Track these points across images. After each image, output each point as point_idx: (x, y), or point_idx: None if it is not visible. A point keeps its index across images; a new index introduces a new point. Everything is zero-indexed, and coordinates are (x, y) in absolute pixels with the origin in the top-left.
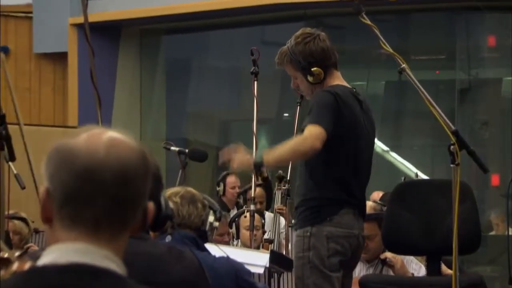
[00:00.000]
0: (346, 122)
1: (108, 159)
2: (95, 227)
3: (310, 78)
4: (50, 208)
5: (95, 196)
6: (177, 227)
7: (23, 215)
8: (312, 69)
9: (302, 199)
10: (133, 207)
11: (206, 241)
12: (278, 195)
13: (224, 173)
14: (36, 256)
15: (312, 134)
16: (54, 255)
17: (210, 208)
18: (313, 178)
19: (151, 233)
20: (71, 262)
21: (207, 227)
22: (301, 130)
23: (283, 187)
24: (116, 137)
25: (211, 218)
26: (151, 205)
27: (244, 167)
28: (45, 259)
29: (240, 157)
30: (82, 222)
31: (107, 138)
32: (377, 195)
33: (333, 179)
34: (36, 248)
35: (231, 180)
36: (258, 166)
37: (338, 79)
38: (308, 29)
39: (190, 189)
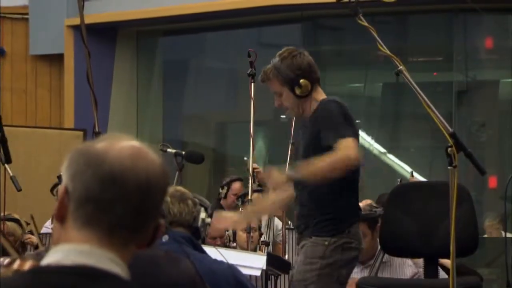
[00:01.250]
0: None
1: (135, 168)
2: (109, 232)
3: (297, 91)
4: (66, 206)
5: (115, 202)
6: (169, 225)
7: (16, 216)
8: (300, 81)
9: (319, 206)
10: (148, 219)
11: (199, 237)
12: None
13: (230, 178)
14: (40, 256)
15: (351, 153)
16: (58, 255)
17: (201, 205)
18: (331, 186)
19: None
20: (75, 263)
21: (199, 224)
22: (326, 146)
23: None
24: (141, 148)
25: (202, 214)
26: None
27: (280, 184)
28: (50, 259)
29: (275, 176)
30: (97, 225)
31: (132, 147)
32: (365, 203)
33: (350, 188)
34: (34, 238)
35: (236, 186)
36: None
37: (322, 95)
38: (291, 47)
39: (179, 187)
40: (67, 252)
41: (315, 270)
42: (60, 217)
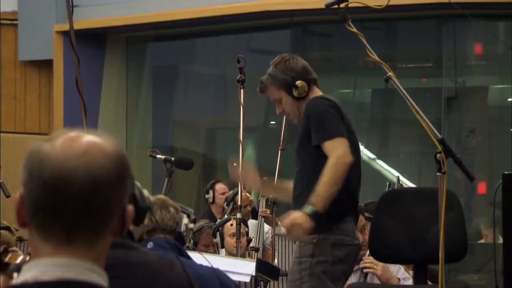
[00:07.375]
0: (346, 127)
1: (77, 170)
2: (67, 237)
3: (295, 92)
4: (24, 214)
5: (60, 208)
6: (152, 232)
7: (5, 223)
8: (297, 82)
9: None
10: (103, 215)
11: (184, 243)
12: (262, 202)
13: (213, 181)
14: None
15: (339, 153)
16: (35, 270)
17: (183, 212)
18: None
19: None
20: (55, 278)
21: (183, 229)
22: (314, 146)
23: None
24: (92, 143)
25: (185, 220)
26: (130, 208)
27: (300, 227)
28: (26, 275)
29: (293, 218)
30: (54, 233)
31: (82, 144)
32: None
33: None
34: (20, 253)
35: (221, 186)
36: (316, 215)
37: (318, 94)
38: (283, 54)
39: (160, 196)
40: (44, 266)
41: (306, 269)
42: (22, 224)
